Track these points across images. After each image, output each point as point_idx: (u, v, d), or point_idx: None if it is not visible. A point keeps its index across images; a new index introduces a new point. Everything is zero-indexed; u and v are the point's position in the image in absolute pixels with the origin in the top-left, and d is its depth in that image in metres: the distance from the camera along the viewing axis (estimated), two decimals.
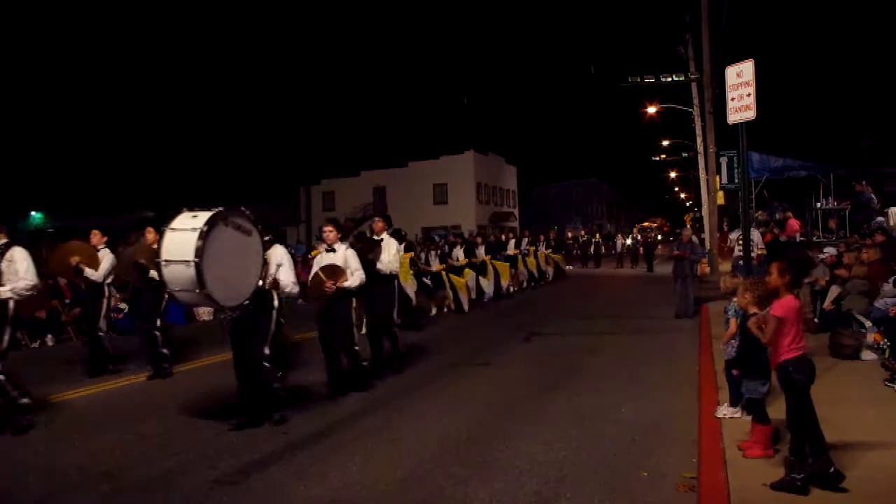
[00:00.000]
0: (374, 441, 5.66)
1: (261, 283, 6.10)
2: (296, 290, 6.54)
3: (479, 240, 19.66)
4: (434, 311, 14.65)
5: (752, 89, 7.40)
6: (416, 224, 30.47)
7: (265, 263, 6.17)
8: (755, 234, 10.38)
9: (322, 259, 7.39)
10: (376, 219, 8.95)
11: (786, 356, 4.32)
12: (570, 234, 41.32)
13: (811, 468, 4.10)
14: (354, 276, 7.25)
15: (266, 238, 6.23)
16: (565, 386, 7.47)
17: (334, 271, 7.17)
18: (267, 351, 6.22)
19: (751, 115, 7.44)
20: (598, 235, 40.28)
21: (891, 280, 8.26)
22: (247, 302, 5.90)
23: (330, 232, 7.50)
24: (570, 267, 29.41)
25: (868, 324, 8.08)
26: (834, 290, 9.48)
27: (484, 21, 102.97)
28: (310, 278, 7.38)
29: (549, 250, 23.15)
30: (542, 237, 23.61)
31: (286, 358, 7.87)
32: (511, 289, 18.65)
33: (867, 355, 7.66)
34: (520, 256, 20.43)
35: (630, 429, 5.74)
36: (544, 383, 7.67)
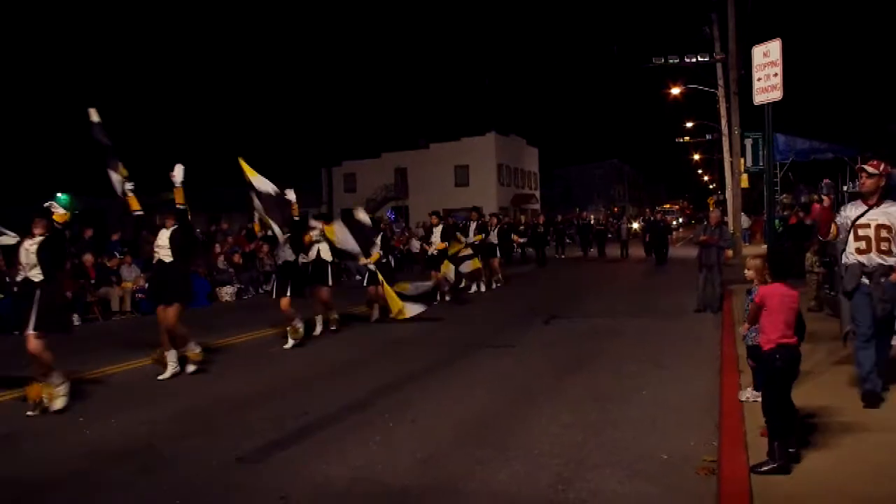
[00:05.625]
0: (394, 421, 5.69)
1: None
2: None
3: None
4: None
5: (778, 69, 7.25)
6: (437, 206, 30.33)
7: None
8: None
9: None
10: None
11: (770, 345, 4.33)
12: (589, 216, 40.01)
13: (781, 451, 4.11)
14: None
15: None
16: (585, 368, 7.46)
17: None
18: None
19: (777, 95, 7.28)
20: (602, 217, 35.47)
21: None
22: None
23: None
24: (563, 257, 27.62)
25: None
26: None
27: (506, 1, 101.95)
28: None
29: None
30: (494, 221, 17.99)
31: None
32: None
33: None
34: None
35: (651, 411, 5.72)
36: (564, 365, 7.67)
